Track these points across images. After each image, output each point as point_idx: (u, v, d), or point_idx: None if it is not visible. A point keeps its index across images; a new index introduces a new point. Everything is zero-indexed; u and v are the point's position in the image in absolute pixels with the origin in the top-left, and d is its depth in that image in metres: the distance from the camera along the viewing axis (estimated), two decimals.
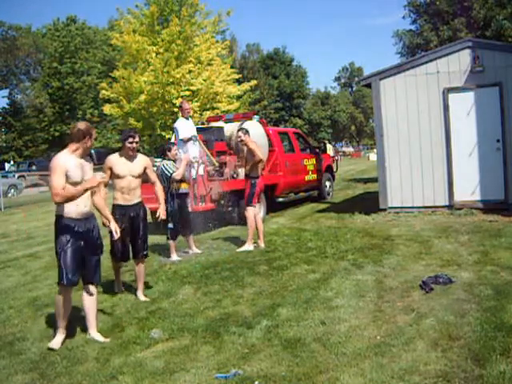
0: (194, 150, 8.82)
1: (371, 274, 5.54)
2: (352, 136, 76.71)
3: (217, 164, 9.66)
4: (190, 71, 20.28)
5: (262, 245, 7.47)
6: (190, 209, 7.83)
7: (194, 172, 8.67)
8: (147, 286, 5.61)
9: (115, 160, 5.20)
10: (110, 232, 5.02)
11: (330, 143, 33.53)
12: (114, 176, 5.19)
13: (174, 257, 7.09)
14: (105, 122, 38.05)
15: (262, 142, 9.91)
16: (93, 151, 27.93)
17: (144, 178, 5.38)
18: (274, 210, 11.19)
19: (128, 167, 5.15)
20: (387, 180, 9.50)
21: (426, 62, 9.25)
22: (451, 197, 9.13)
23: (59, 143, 33.76)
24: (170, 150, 7.20)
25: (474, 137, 9.05)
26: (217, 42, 22.58)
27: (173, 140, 10.56)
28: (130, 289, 5.63)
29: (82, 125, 4.10)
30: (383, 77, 9.53)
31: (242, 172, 9.48)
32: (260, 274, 5.89)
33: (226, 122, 11.31)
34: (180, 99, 17.68)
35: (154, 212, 6.43)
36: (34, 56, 43.91)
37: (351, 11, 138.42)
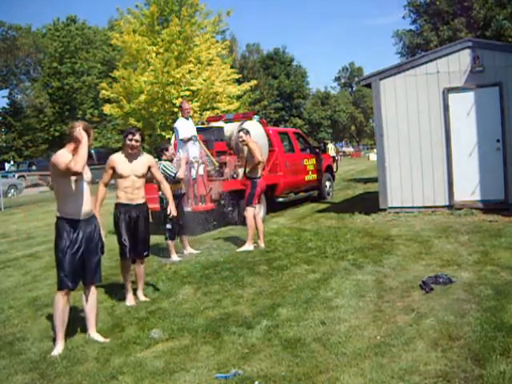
0: (194, 150, 8.82)
1: (371, 274, 5.54)
2: (352, 136, 76.71)
3: (217, 164, 9.66)
4: (190, 71, 20.29)
5: (262, 245, 7.47)
6: (186, 209, 7.84)
7: (194, 172, 8.68)
8: (147, 285, 5.61)
9: (118, 159, 5.04)
10: (117, 230, 5.11)
11: (332, 143, 33.35)
12: (116, 176, 5.04)
13: (174, 257, 7.09)
14: (105, 122, 38.06)
15: (262, 142, 9.91)
16: (93, 151, 27.98)
17: (148, 177, 5.29)
18: (274, 210, 11.19)
19: (131, 167, 5.02)
20: (387, 180, 9.50)
21: (426, 62, 9.25)
22: (451, 197, 9.13)
23: (59, 143, 33.69)
24: (167, 150, 7.19)
25: (474, 137, 9.05)
26: (217, 42, 22.59)
27: (173, 140, 10.57)
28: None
29: (79, 125, 4.07)
30: (383, 77, 9.53)
31: (242, 172, 9.48)
32: (260, 274, 5.89)
33: (226, 122, 11.31)
34: (180, 99, 17.68)
35: (153, 212, 6.42)
36: (34, 56, 43.92)
37: (351, 11, 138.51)
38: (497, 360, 3.27)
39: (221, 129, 10.69)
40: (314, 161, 12.67)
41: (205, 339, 4.04)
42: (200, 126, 11.02)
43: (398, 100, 9.43)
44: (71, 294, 4.15)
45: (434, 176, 9.24)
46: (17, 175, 27.72)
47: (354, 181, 19.23)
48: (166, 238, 7.14)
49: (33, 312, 5.13)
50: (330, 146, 29.24)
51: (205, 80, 20.23)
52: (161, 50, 20.36)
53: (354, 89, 78.72)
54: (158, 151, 7.33)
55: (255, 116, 11.26)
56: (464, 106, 9.05)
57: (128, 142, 4.98)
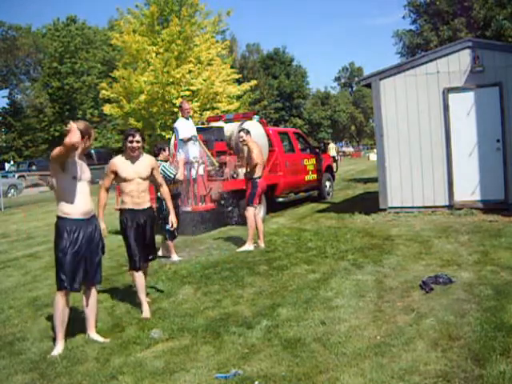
0: (194, 150, 8.82)
1: (371, 274, 5.54)
2: (352, 136, 76.71)
3: (217, 164, 9.66)
4: (190, 71, 20.28)
5: (262, 245, 7.47)
6: (186, 209, 7.83)
7: (194, 172, 8.68)
8: (148, 285, 5.61)
9: (119, 163, 4.78)
10: (125, 239, 4.88)
11: (333, 143, 33.22)
12: (120, 180, 4.79)
13: (174, 257, 7.09)
14: (105, 122, 38.09)
15: (262, 142, 9.91)
16: (93, 151, 28.00)
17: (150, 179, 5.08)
18: (274, 210, 11.19)
19: (135, 169, 4.76)
20: (387, 180, 9.50)
21: (426, 62, 9.25)
22: (451, 197, 9.13)
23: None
24: (164, 150, 7.16)
25: (474, 137, 9.05)
26: (217, 42, 22.57)
27: (173, 140, 10.57)
28: (130, 289, 5.62)
29: (80, 124, 4.03)
30: (383, 77, 9.53)
31: (242, 172, 9.48)
32: (260, 274, 5.89)
33: (226, 122, 11.31)
34: (180, 99, 17.68)
35: None
36: (34, 56, 43.96)
37: (351, 11, 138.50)
38: (497, 360, 3.27)
39: (221, 129, 10.69)
40: (313, 161, 12.67)
41: (205, 339, 4.04)
42: (200, 126, 11.02)
43: (398, 100, 9.43)
44: (71, 295, 4.15)
45: (433, 176, 9.24)
46: (17, 175, 27.72)
47: (354, 181, 19.23)
48: (166, 239, 7.13)
49: (33, 312, 5.13)
50: (332, 146, 29.23)
51: (205, 80, 20.23)
52: (161, 50, 20.35)
53: (354, 89, 78.74)
54: (155, 150, 7.26)
55: (255, 116, 11.26)
56: (464, 105, 9.05)
57: (129, 145, 4.73)
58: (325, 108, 63.47)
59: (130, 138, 4.72)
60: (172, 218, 5.11)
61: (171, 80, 19.57)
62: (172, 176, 6.96)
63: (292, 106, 55.63)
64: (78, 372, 3.62)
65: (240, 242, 7.89)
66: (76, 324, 4.41)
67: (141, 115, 20.55)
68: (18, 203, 19.30)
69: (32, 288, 6.12)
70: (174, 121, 10.19)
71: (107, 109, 21.51)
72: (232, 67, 23.48)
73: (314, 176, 12.62)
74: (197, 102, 20.14)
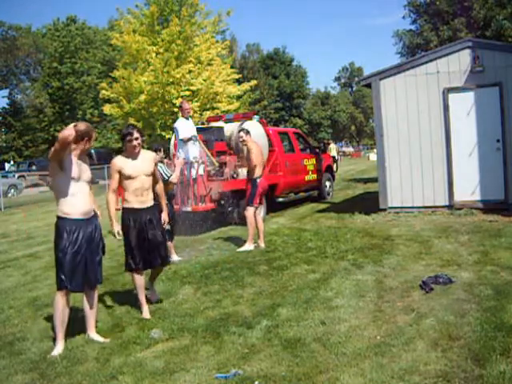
0: (194, 150, 8.83)
1: (371, 274, 5.54)
2: (352, 136, 76.70)
3: (217, 164, 9.66)
4: (190, 71, 20.30)
5: (262, 245, 7.47)
6: (186, 209, 7.82)
7: (194, 172, 8.68)
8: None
9: (122, 162, 4.64)
10: (125, 239, 4.72)
11: (334, 143, 32.99)
12: (124, 177, 4.62)
13: (174, 257, 7.09)
14: (105, 122, 38.08)
15: (262, 142, 9.91)
16: (93, 151, 27.99)
17: None
18: (274, 210, 11.19)
19: (138, 166, 4.63)
20: (387, 180, 9.50)
21: (426, 62, 9.25)
22: (451, 197, 9.13)
23: None
24: (160, 151, 7.13)
25: (474, 137, 9.05)
26: (217, 42, 22.59)
27: (173, 140, 10.58)
28: (130, 289, 5.62)
29: (81, 126, 4.02)
30: (383, 77, 9.53)
31: (241, 172, 9.49)
32: (260, 274, 5.89)
33: (226, 122, 11.31)
34: (180, 99, 17.69)
35: None
36: (34, 56, 43.94)
37: (351, 11, 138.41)
38: (497, 360, 3.27)
39: (221, 129, 10.69)
40: (314, 161, 12.67)
41: (205, 339, 4.04)
42: (200, 126, 11.03)
43: (398, 100, 9.43)
44: (71, 295, 4.15)
45: (434, 176, 9.24)
46: (17, 175, 27.72)
47: (354, 181, 19.23)
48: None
49: (33, 312, 5.13)
50: (332, 146, 29.15)
51: (205, 80, 20.24)
52: (161, 50, 20.37)
53: (354, 89, 78.71)
54: (153, 151, 7.22)
55: (255, 116, 11.27)
56: (464, 105, 9.05)
57: (129, 144, 4.59)
58: (325, 108, 63.46)
59: (129, 138, 4.57)
60: (164, 216, 4.98)
61: (171, 80, 19.59)
62: (166, 178, 6.92)
63: (292, 105, 55.62)
64: (77, 372, 3.62)
65: (240, 242, 7.89)
66: (76, 324, 4.41)
67: (141, 115, 20.57)
68: (18, 203, 19.30)
69: (32, 288, 6.12)
70: (174, 121, 10.20)
71: (107, 109, 21.53)
72: (232, 67, 23.50)
73: (314, 176, 12.63)
74: (197, 101, 20.16)
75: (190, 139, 8.71)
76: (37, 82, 43.78)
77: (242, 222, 8.27)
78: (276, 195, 11.05)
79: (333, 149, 28.15)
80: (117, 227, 4.57)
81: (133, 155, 4.66)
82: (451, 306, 4.34)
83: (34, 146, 42.52)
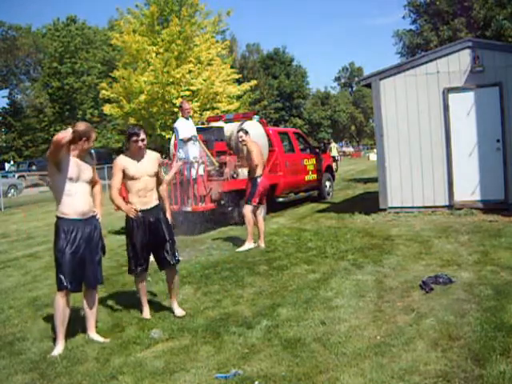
0: (194, 150, 8.83)
1: (371, 274, 5.54)
2: (352, 136, 76.70)
3: (217, 164, 9.66)
4: (190, 71, 20.28)
5: (263, 245, 7.47)
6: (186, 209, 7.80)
7: (194, 172, 8.68)
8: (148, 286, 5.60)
9: (126, 162, 4.56)
10: (129, 241, 4.63)
11: (335, 142, 32.85)
12: (127, 178, 4.56)
13: None
14: (105, 122, 38.08)
15: (262, 142, 9.91)
16: (93, 151, 27.95)
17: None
18: (274, 210, 11.19)
19: (142, 166, 4.56)
20: (387, 180, 9.50)
21: (426, 62, 9.25)
22: (451, 197, 9.13)
23: None
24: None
25: (474, 137, 9.05)
26: (217, 42, 22.58)
27: (173, 140, 10.58)
28: (130, 289, 5.62)
29: (80, 126, 4.04)
30: (383, 77, 9.53)
31: (241, 172, 9.49)
32: (260, 274, 5.89)
33: (226, 122, 11.31)
34: (180, 99, 17.69)
35: None
36: (34, 56, 43.96)
37: (351, 11, 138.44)
38: (497, 360, 3.27)
39: (221, 129, 10.69)
40: (314, 161, 12.67)
41: (205, 339, 4.04)
42: (200, 126, 11.03)
43: (398, 100, 9.43)
44: (71, 295, 4.15)
45: (434, 176, 9.24)
46: (17, 175, 27.74)
47: (354, 181, 19.23)
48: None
49: (33, 312, 5.13)
50: (333, 146, 29.06)
51: (205, 80, 20.23)
52: (161, 50, 20.36)
53: (354, 89, 78.71)
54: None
55: (255, 116, 11.27)
56: (464, 105, 9.05)
57: (134, 145, 4.51)
58: (325, 108, 63.46)
59: (135, 138, 4.49)
60: (168, 216, 4.86)
61: (171, 80, 19.58)
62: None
63: (292, 105, 55.62)
64: (78, 372, 3.62)
65: (240, 242, 7.89)
66: (76, 324, 4.41)
67: (141, 115, 20.56)
68: (18, 203, 19.30)
69: (32, 288, 6.12)
70: (174, 121, 10.20)
71: (107, 109, 21.52)
72: (232, 67, 23.48)
73: (314, 176, 12.62)
74: (197, 101, 20.15)
75: (189, 139, 8.72)
76: (37, 82, 43.79)
77: (243, 221, 8.27)
78: (276, 195, 11.05)
79: (333, 148, 28.12)
80: (132, 209, 4.46)
81: (137, 156, 4.58)
82: (451, 306, 4.34)
83: (34, 146, 42.53)
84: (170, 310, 4.83)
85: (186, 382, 3.37)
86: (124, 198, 4.75)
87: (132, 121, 20.47)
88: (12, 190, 24.07)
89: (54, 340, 4.13)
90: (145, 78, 19.60)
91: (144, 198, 4.58)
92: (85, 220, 4.11)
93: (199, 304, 4.96)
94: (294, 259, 6.50)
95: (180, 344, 3.98)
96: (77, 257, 4.04)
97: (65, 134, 3.78)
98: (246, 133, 7.61)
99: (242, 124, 10.30)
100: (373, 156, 34.83)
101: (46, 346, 4.15)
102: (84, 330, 4.30)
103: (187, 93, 19.79)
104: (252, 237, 7.50)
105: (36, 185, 27.19)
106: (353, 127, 73.66)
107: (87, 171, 4.15)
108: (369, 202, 11.14)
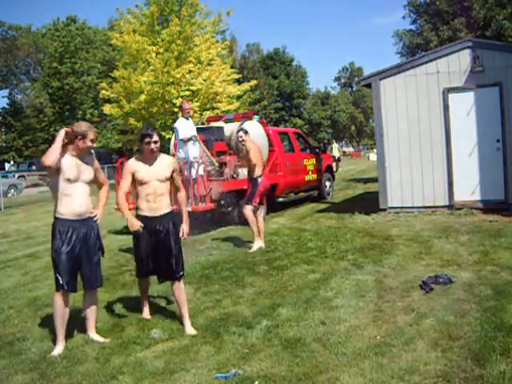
0: (194, 150, 8.83)
1: (371, 274, 5.54)
2: (352, 136, 76.69)
3: (217, 164, 9.66)
4: (190, 71, 20.30)
5: (263, 245, 7.46)
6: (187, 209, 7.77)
7: (194, 172, 8.67)
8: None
9: (136, 165, 4.37)
10: (135, 245, 4.51)
11: (336, 142, 32.43)
12: (137, 183, 4.38)
13: None
14: (105, 122, 38.05)
15: (262, 142, 9.90)
16: (93, 151, 28.00)
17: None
18: (274, 210, 11.19)
19: (152, 171, 4.34)
20: (387, 180, 9.50)
21: (426, 62, 9.25)
22: (451, 197, 9.13)
23: None
24: None
25: (474, 137, 9.05)
26: (217, 42, 22.60)
27: (173, 140, 10.58)
28: (130, 289, 5.62)
29: (78, 125, 4.06)
30: (383, 77, 9.53)
31: (241, 172, 9.48)
32: (260, 274, 5.89)
33: (226, 122, 11.31)
34: (180, 99, 17.70)
35: None
36: (34, 56, 43.93)
37: (351, 11, 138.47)
38: (497, 360, 3.27)
39: (221, 129, 10.69)
40: (314, 161, 12.67)
41: (205, 339, 4.04)
42: (200, 126, 11.03)
43: (398, 100, 9.43)
44: (71, 295, 4.14)
45: (433, 176, 9.24)
46: (17, 175, 27.73)
47: (354, 181, 19.23)
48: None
49: (33, 312, 5.12)
50: (335, 146, 28.68)
51: (205, 80, 20.24)
52: (161, 50, 20.37)
53: (354, 89, 78.69)
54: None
55: (255, 116, 11.27)
56: (464, 105, 9.05)
57: (146, 147, 4.30)
58: (325, 108, 63.44)
59: (148, 139, 4.27)
60: (184, 227, 4.59)
61: (171, 80, 19.59)
62: None
63: (292, 105, 55.61)
64: (77, 372, 3.62)
65: (240, 242, 7.89)
66: (76, 324, 4.41)
67: (141, 115, 20.58)
68: (18, 203, 19.30)
69: (32, 288, 6.12)
70: (174, 121, 10.20)
71: (107, 109, 21.53)
72: (232, 67, 23.51)
73: (314, 176, 12.62)
74: (197, 101, 20.16)
75: (190, 139, 8.71)
76: (37, 82, 43.76)
77: (242, 222, 8.27)
78: (276, 195, 11.05)
79: (335, 148, 27.80)
80: (135, 222, 4.32)
81: (149, 159, 4.38)
82: (451, 306, 4.34)
83: (34, 146, 42.49)
84: (170, 310, 4.83)
85: (186, 382, 3.37)
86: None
87: (132, 121, 20.47)
88: (12, 190, 24.06)
89: (54, 340, 4.12)
90: (145, 78, 19.61)
91: (153, 204, 4.36)
92: (81, 221, 4.09)
93: (199, 304, 4.96)
94: (294, 259, 6.50)
95: (180, 344, 3.98)
96: (73, 257, 4.02)
97: (45, 159, 3.86)
98: (246, 132, 7.61)
99: (242, 124, 10.30)
100: (373, 156, 34.78)
101: (46, 346, 4.15)
102: (84, 330, 4.30)
103: (187, 93, 19.80)
104: (257, 234, 7.45)
105: (36, 185, 27.17)
106: (353, 127, 73.65)
107: (87, 172, 4.14)
108: (369, 202, 11.14)
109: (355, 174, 24.26)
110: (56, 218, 4.06)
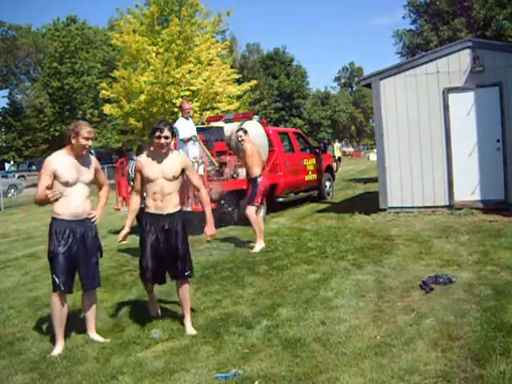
0: (194, 150, 8.83)
1: (371, 274, 5.54)
2: (352, 136, 76.68)
3: (217, 164, 9.66)
4: (190, 71, 20.29)
5: (263, 244, 7.45)
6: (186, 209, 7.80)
7: None
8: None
9: (145, 161, 4.25)
10: (141, 251, 4.35)
11: (337, 142, 32.23)
12: (144, 180, 4.27)
13: None
14: (105, 122, 38.06)
15: (261, 142, 9.91)
16: (93, 151, 28.02)
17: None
18: (274, 210, 11.19)
19: (160, 168, 4.19)
20: (387, 180, 9.50)
21: (426, 62, 9.25)
22: (451, 197, 9.13)
23: (59, 143, 33.70)
24: (146, 150, 7.01)
25: (474, 137, 9.05)
26: (217, 42, 22.59)
27: (173, 140, 10.57)
28: (130, 289, 5.62)
29: (73, 124, 4.08)
30: (383, 77, 9.53)
31: (241, 172, 9.48)
32: (260, 274, 5.89)
33: (226, 122, 11.31)
34: (180, 99, 17.69)
35: None
36: (34, 56, 43.89)
37: (351, 11, 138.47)
38: (497, 360, 3.27)
39: (221, 129, 10.69)
40: (314, 161, 12.67)
41: (205, 339, 4.04)
42: (200, 126, 11.03)
43: (398, 100, 9.43)
44: (72, 295, 4.14)
45: (434, 176, 9.24)
46: (17, 175, 27.71)
47: (354, 181, 19.23)
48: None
49: (33, 312, 5.12)
50: (336, 146, 28.56)
51: (205, 80, 20.24)
52: (161, 50, 20.37)
53: (354, 89, 78.67)
54: (138, 149, 7.13)
55: (255, 116, 11.27)
56: (464, 105, 9.05)
57: (156, 141, 4.14)
58: (325, 108, 63.44)
59: (158, 134, 4.12)
60: (207, 230, 4.42)
61: (171, 80, 19.58)
62: (131, 178, 6.80)
63: (292, 105, 55.60)
64: (78, 372, 3.62)
65: (240, 242, 7.89)
66: (76, 324, 4.41)
67: (141, 115, 20.57)
68: (18, 203, 19.28)
69: (32, 288, 6.12)
70: (174, 121, 10.19)
71: (107, 109, 21.53)
72: (232, 67, 23.50)
73: (314, 176, 12.62)
74: (197, 101, 20.15)
75: (190, 139, 8.72)
76: (37, 82, 43.73)
77: (242, 222, 8.27)
78: (276, 195, 11.05)
79: (336, 149, 27.69)
80: (121, 234, 4.30)
81: (158, 155, 4.22)
82: (451, 306, 4.34)
83: (34, 146, 42.48)
84: (170, 309, 4.83)
85: (186, 381, 3.37)
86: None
87: (132, 121, 20.47)
88: (12, 190, 24.05)
89: (54, 340, 4.12)
90: (145, 77, 19.60)
91: (159, 203, 4.21)
92: (78, 221, 4.07)
93: (199, 304, 4.96)
94: (294, 259, 6.50)
95: (180, 344, 3.98)
96: (70, 258, 4.01)
97: (38, 198, 4.02)
98: (246, 132, 7.62)
99: (241, 124, 10.30)
100: (373, 156, 34.76)
101: (45, 346, 4.15)
102: (84, 330, 4.30)
103: (187, 93, 19.80)
104: (260, 234, 7.44)
105: (36, 185, 27.00)
106: (353, 127, 73.64)
107: (86, 173, 4.12)
108: (369, 202, 11.14)
109: (355, 173, 24.26)
110: (53, 219, 4.05)
